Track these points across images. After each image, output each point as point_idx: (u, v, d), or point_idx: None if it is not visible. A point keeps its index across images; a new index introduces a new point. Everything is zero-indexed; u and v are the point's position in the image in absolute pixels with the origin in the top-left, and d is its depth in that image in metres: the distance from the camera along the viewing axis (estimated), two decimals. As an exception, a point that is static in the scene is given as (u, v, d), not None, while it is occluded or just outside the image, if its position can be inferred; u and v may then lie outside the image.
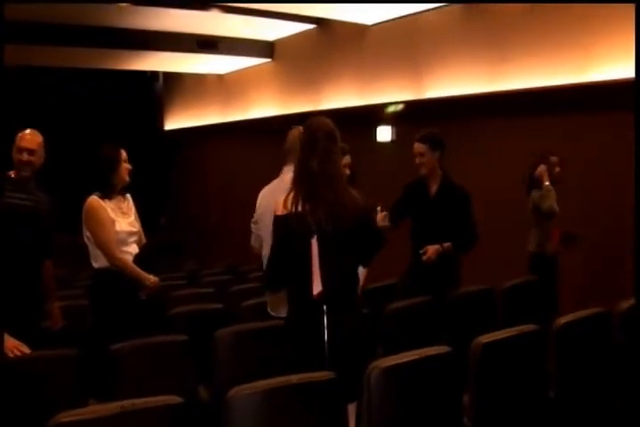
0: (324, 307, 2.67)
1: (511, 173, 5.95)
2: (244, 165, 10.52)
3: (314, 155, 2.72)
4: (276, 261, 2.80)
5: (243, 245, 10.38)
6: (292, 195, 2.75)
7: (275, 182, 3.80)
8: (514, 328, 2.74)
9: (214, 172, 11.62)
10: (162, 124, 12.96)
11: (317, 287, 2.67)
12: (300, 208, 2.71)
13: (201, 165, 12.01)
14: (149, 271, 3.79)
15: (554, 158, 5.12)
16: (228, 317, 3.96)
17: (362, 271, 3.19)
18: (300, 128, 3.93)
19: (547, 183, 5.00)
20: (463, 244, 4.07)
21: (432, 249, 3.92)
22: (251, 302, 4.23)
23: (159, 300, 3.92)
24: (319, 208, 2.69)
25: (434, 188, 4.18)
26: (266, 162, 9.93)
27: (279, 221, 2.76)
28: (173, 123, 12.72)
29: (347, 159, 3.90)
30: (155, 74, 12.76)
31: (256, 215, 3.89)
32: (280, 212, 2.76)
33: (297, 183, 2.76)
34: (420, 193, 4.22)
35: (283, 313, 3.50)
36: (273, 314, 3.75)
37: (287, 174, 3.70)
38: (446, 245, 3.97)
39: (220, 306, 4.09)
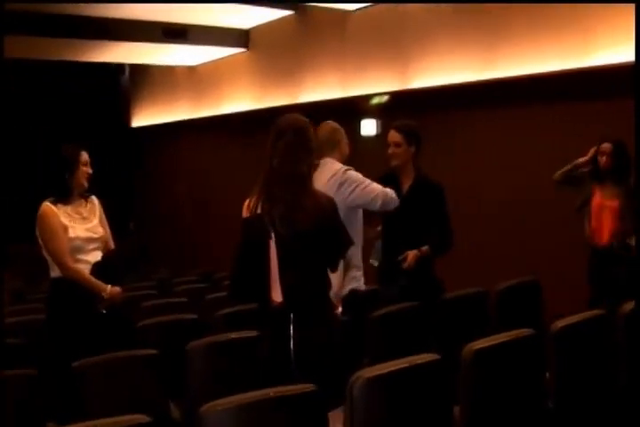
0: (291, 316, 2.70)
1: (508, 168, 6.00)
2: (219, 164, 10.52)
3: (275, 153, 2.75)
4: (238, 266, 2.83)
5: (218, 250, 10.48)
6: (254, 197, 2.78)
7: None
8: (508, 333, 2.74)
9: (186, 172, 11.62)
10: (128, 121, 12.94)
11: (277, 295, 2.72)
12: (258, 210, 2.74)
13: (171, 164, 12.00)
14: (111, 281, 3.78)
15: (605, 146, 4.68)
16: (202, 327, 3.96)
17: (336, 275, 3.21)
18: (331, 122, 4.02)
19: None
20: (441, 245, 4.11)
21: (411, 255, 3.96)
22: (226, 310, 4.21)
23: (124, 312, 3.89)
24: (275, 209, 2.72)
25: (406, 184, 4.18)
26: (242, 160, 9.97)
27: (242, 224, 2.81)
28: (141, 119, 12.69)
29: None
30: (120, 66, 12.74)
31: None
32: (244, 214, 2.79)
33: (258, 184, 2.78)
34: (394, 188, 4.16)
35: None
36: None
37: (324, 167, 3.88)
38: (424, 249, 4.02)
39: (193, 316, 4.07)
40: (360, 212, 4.05)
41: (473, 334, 2.74)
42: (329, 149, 4.03)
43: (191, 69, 11.09)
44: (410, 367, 2.41)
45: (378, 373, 2.34)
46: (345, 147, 4.15)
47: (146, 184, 12.84)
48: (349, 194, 3.89)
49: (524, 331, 2.76)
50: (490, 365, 2.61)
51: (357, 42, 7.70)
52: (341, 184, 3.91)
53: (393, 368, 2.39)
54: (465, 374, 2.55)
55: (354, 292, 3.99)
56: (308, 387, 2.26)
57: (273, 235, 2.71)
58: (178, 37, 8.92)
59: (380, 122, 7.44)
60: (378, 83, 7.39)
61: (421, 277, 4.07)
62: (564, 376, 2.83)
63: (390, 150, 4.16)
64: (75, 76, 11.78)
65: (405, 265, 3.95)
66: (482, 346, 2.57)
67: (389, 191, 3.97)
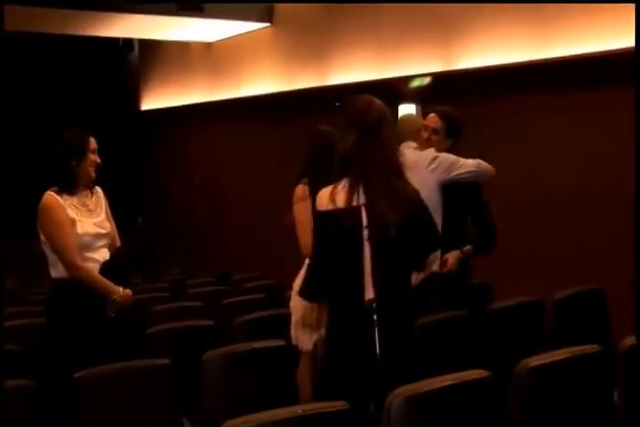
0: (374, 318, 2.81)
1: (568, 160, 5.91)
2: (238, 153, 10.53)
3: (374, 147, 2.85)
4: (320, 264, 2.93)
5: (235, 248, 10.50)
6: (342, 187, 2.84)
7: None
8: (570, 349, 2.72)
9: (200, 161, 11.64)
10: (137, 104, 12.97)
11: (369, 293, 2.81)
12: (354, 202, 2.81)
13: (184, 153, 12.03)
14: (120, 282, 3.79)
15: None
16: (219, 335, 3.99)
17: (413, 276, 3.31)
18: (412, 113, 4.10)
19: None
20: (483, 243, 4.13)
21: (452, 257, 3.97)
22: (247, 317, 4.24)
23: (132, 317, 3.91)
24: (377, 203, 2.81)
25: None
26: (264, 150, 9.99)
27: (325, 218, 2.86)
28: (151, 102, 12.73)
29: None
30: (128, 42, 12.77)
31: None
32: (325, 206, 2.84)
33: (354, 177, 2.84)
34: None
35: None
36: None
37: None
38: (466, 248, 4.05)
39: (209, 323, 4.09)
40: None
41: (526, 349, 2.72)
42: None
43: (208, 46, 11.07)
44: (455, 385, 2.40)
45: (418, 391, 2.33)
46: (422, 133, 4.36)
47: (155, 175, 12.89)
48: (447, 168, 4.07)
49: (589, 347, 2.73)
50: (548, 384, 2.58)
51: (395, 16, 7.65)
52: (433, 159, 4.09)
53: (436, 386, 2.37)
54: (519, 393, 2.53)
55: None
56: (342, 405, 2.25)
57: (367, 228, 2.80)
58: (193, 10, 8.92)
59: (419, 107, 7.35)
60: (418, 63, 7.33)
61: (459, 282, 4.09)
62: (634, 399, 2.78)
63: (425, 135, 4.22)
64: (78, 52, 11.85)
65: (446, 269, 3.96)
66: (539, 363, 2.55)
67: (479, 160, 4.15)
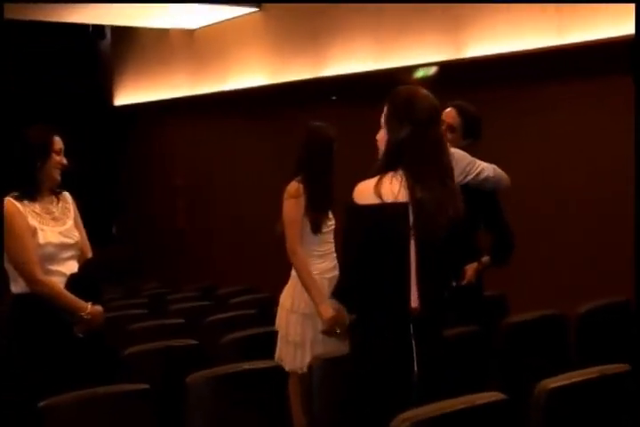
0: (411, 328, 2.85)
1: (594, 158, 5.89)
2: (224, 152, 10.53)
3: (428, 140, 2.89)
4: (352, 263, 2.92)
5: (223, 258, 10.48)
6: (389, 180, 2.84)
7: None
8: (595, 369, 2.72)
9: (183, 163, 11.63)
10: (110, 98, 12.95)
11: (414, 302, 2.85)
12: (403, 197, 2.81)
13: (165, 153, 12.02)
14: (90, 298, 3.78)
15: None
16: (204, 356, 3.97)
17: None
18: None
19: None
20: (501, 253, 4.22)
21: (471, 269, 4.07)
22: (234, 335, 4.24)
23: (105, 337, 3.90)
24: (429, 201, 2.82)
25: None
26: (254, 148, 9.98)
27: (370, 212, 2.84)
28: (126, 96, 12.72)
29: None
30: (99, 29, 12.73)
31: None
32: (368, 200, 2.82)
33: (405, 166, 2.87)
34: None
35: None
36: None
37: None
38: (484, 259, 4.14)
39: (193, 342, 4.06)
40: None
41: (546, 369, 2.74)
42: None
43: (190, 34, 11.07)
44: (467, 409, 2.40)
45: (427, 416, 2.33)
46: None
47: (132, 178, 12.86)
48: (463, 170, 4.06)
49: (616, 366, 2.73)
50: (570, 408, 2.58)
51: (398, -1, 7.67)
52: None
53: (446, 410, 2.37)
54: (538, 419, 2.53)
55: None
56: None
57: (414, 228, 2.82)
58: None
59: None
60: (423, 51, 7.32)
61: (473, 295, 4.15)
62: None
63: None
64: (42, 40, 11.79)
65: (465, 282, 4.03)
66: (561, 384, 2.56)
67: (494, 166, 4.17)
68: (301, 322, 4.35)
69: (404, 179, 2.84)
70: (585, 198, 5.99)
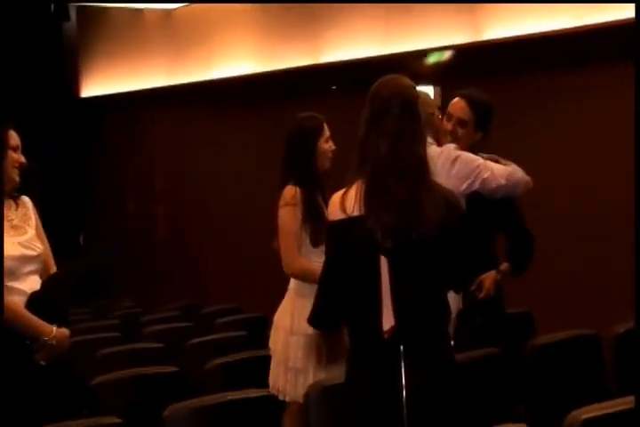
0: (401, 349, 2.86)
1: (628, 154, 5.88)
2: (209, 150, 10.52)
3: (382, 134, 2.90)
4: (328, 286, 3.01)
5: (207, 274, 10.45)
6: (351, 192, 2.91)
7: None
8: (630, 397, 2.69)
9: (162, 162, 11.63)
10: (76, 89, 12.94)
11: (388, 321, 2.87)
12: (361, 211, 2.86)
13: (141, 152, 12.01)
14: (54, 320, 3.77)
15: None
16: (186, 384, 3.98)
17: (453, 297, 3.37)
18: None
19: None
20: (521, 258, 4.26)
21: (489, 280, 4.09)
22: (219, 361, 4.23)
23: (71, 364, 3.90)
24: (389, 211, 2.84)
25: None
26: (243, 145, 9.93)
27: (333, 230, 2.96)
28: (95, 86, 12.70)
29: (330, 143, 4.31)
30: (63, 9, 12.63)
31: None
32: (335, 216, 2.92)
33: (362, 176, 2.91)
34: None
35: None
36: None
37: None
38: (503, 267, 4.18)
39: (172, 369, 4.07)
40: None
41: (578, 397, 2.77)
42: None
43: (167, 15, 11.07)
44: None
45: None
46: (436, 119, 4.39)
47: (102, 181, 12.85)
48: (467, 176, 4.12)
49: None
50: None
51: (407, -26, 7.69)
52: (454, 160, 4.14)
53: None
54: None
55: None
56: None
57: (382, 243, 2.85)
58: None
59: (439, 89, 7.35)
60: (436, 33, 7.34)
61: (495, 311, 4.21)
62: None
63: (450, 126, 4.28)
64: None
65: (482, 294, 4.06)
66: (594, 415, 2.55)
67: (512, 168, 4.19)
68: (303, 345, 4.30)
69: (367, 185, 2.88)
70: (618, 197, 5.98)
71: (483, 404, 3.52)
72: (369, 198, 2.86)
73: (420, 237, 2.85)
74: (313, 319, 3.23)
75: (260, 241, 4.76)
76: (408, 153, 2.91)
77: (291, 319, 4.36)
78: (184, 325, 6.57)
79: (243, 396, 3.36)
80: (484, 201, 4.19)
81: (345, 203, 2.88)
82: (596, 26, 6.01)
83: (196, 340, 5.27)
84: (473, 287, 4.02)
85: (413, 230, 2.85)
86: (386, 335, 2.86)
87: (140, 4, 10.82)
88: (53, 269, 3.97)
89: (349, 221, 2.87)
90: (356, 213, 2.86)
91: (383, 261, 2.86)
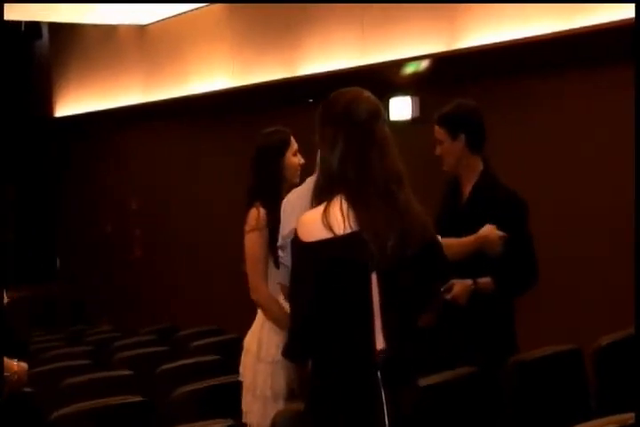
0: (379, 375, 2.81)
1: (618, 162, 5.85)
2: (185, 169, 10.54)
3: (366, 148, 2.87)
4: (308, 312, 2.86)
5: (187, 294, 10.41)
6: (333, 209, 2.82)
7: (306, 185, 3.90)
8: (617, 417, 2.70)
9: (138, 182, 11.64)
10: (50, 109, 12.98)
11: (380, 343, 2.82)
12: (353, 228, 2.79)
13: (117, 171, 12.03)
14: (14, 354, 3.71)
15: None
16: (151, 416, 3.95)
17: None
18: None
19: None
20: (512, 280, 4.18)
21: (460, 286, 4.06)
22: (188, 388, 4.19)
23: (28, 397, 3.86)
24: (385, 226, 2.80)
25: (467, 190, 4.38)
26: (220, 163, 9.91)
27: (315, 251, 2.81)
28: (68, 105, 12.76)
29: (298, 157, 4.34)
30: (34, 27, 12.74)
31: (282, 238, 3.93)
32: (316, 235, 2.79)
33: (343, 193, 2.84)
34: (452, 200, 4.46)
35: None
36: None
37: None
38: (483, 280, 4.11)
39: (136, 399, 4.02)
40: None
41: (562, 417, 2.88)
42: None
43: (141, 31, 11.12)
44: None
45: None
46: None
47: (78, 203, 12.86)
48: None
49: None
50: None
51: (383, -17, 7.67)
52: None
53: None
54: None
55: None
56: None
57: (376, 261, 2.80)
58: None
59: (417, 100, 7.37)
60: (413, 43, 7.32)
61: (494, 327, 4.16)
62: None
63: (437, 151, 4.38)
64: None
65: (449, 296, 4.04)
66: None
67: None
68: (271, 372, 4.23)
69: (349, 203, 2.82)
70: (607, 208, 5.95)
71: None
72: (362, 214, 2.79)
73: (410, 254, 2.82)
74: (290, 352, 3.09)
75: (240, 259, 4.70)
76: (394, 166, 2.89)
77: (258, 345, 4.29)
78: (158, 349, 6.52)
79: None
80: (482, 208, 4.23)
81: (330, 221, 2.78)
82: (573, 31, 6.00)
83: (167, 366, 5.21)
84: (443, 289, 4.00)
85: (407, 247, 2.81)
86: (377, 358, 2.80)
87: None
88: (4, 299, 3.90)
89: (339, 240, 2.78)
90: (347, 231, 2.78)
91: (374, 281, 2.80)
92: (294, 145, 4.37)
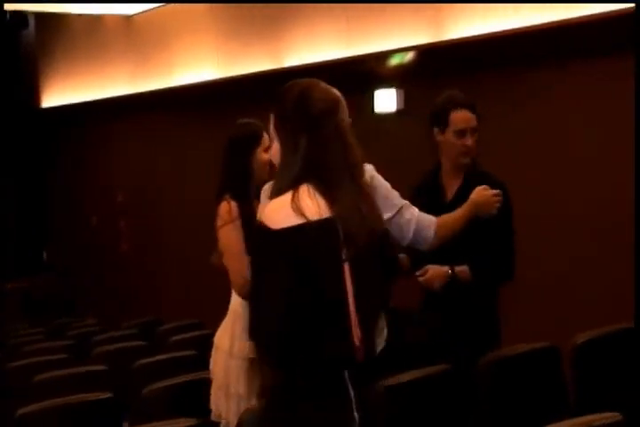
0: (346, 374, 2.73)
1: (612, 157, 5.80)
2: (173, 160, 10.54)
3: (332, 136, 2.83)
4: (285, 312, 2.69)
5: (173, 288, 10.39)
6: (302, 196, 2.71)
7: None
8: (595, 416, 2.69)
9: (125, 174, 11.63)
10: (36, 99, 12.96)
11: (357, 338, 2.72)
12: (325, 214, 2.70)
13: (103, 163, 12.02)
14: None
15: None
16: (120, 413, 3.97)
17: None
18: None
19: None
20: (489, 270, 4.16)
21: (435, 271, 4.03)
22: (159, 385, 4.16)
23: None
24: (352, 213, 2.75)
25: (454, 185, 4.33)
26: (207, 155, 9.83)
27: (285, 238, 2.68)
28: (55, 96, 12.73)
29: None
30: (20, 16, 12.71)
31: None
32: (286, 222, 2.67)
33: (310, 181, 2.76)
34: (435, 192, 4.37)
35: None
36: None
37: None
38: (460, 268, 4.08)
39: (105, 396, 3.98)
40: None
41: (539, 416, 2.83)
42: None
43: (128, 21, 11.09)
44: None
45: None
46: None
47: (65, 195, 12.85)
48: None
49: (611, 415, 2.71)
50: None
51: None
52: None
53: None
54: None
55: None
56: None
57: (348, 249, 2.72)
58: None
59: (402, 92, 7.36)
60: (398, 34, 7.30)
61: (475, 317, 4.15)
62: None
63: (469, 142, 4.27)
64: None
65: (422, 279, 4.03)
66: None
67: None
68: (245, 369, 4.15)
69: (318, 190, 2.74)
70: (590, 210, 5.93)
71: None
72: (334, 201, 2.72)
73: (374, 242, 2.78)
74: (278, 360, 2.87)
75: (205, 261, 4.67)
76: (357, 155, 2.85)
77: (230, 341, 4.21)
78: (136, 344, 6.47)
79: (177, 426, 3.25)
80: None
81: (301, 205, 2.68)
82: (561, 22, 5.97)
83: (143, 361, 5.16)
84: (417, 274, 4.04)
85: (372, 235, 2.77)
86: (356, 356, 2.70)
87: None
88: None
89: (312, 226, 2.67)
90: (323, 216, 2.69)
91: (346, 270, 2.70)
92: (266, 141, 4.25)
